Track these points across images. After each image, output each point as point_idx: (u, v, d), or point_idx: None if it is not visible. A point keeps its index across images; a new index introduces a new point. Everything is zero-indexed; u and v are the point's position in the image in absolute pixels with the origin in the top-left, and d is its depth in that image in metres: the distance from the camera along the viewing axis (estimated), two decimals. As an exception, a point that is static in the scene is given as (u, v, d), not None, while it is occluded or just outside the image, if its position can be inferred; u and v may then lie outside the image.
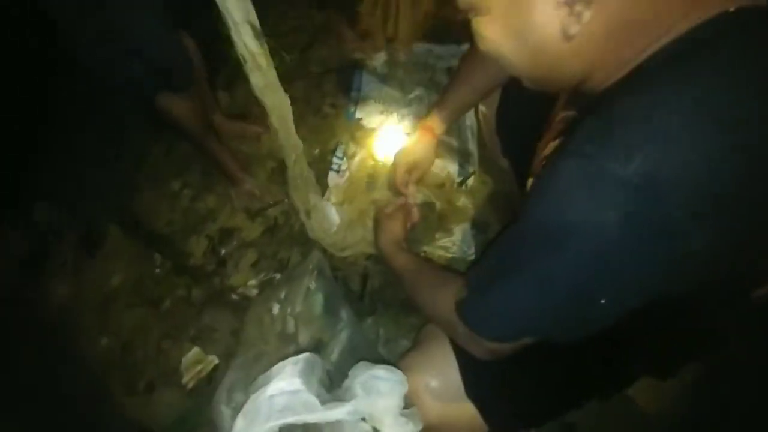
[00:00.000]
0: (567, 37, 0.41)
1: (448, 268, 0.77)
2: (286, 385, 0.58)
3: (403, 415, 0.60)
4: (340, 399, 0.62)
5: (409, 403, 0.63)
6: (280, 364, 0.63)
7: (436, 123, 0.91)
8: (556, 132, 0.58)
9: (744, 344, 0.63)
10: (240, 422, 0.57)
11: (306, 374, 0.62)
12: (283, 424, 0.56)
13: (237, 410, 0.75)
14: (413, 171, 0.97)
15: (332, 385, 0.84)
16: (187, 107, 1.01)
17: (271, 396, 0.57)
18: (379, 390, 0.60)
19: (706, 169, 0.36)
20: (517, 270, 0.46)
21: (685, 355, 0.61)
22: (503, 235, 0.50)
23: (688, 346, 0.58)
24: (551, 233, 0.41)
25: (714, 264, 0.41)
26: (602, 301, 0.41)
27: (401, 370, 0.66)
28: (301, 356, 0.64)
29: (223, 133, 1.25)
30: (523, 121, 0.80)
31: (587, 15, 0.39)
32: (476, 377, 0.60)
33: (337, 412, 0.58)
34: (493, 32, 0.45)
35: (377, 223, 0.97)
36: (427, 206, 1.13)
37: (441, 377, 0.62)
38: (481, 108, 0.92)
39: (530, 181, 0.64)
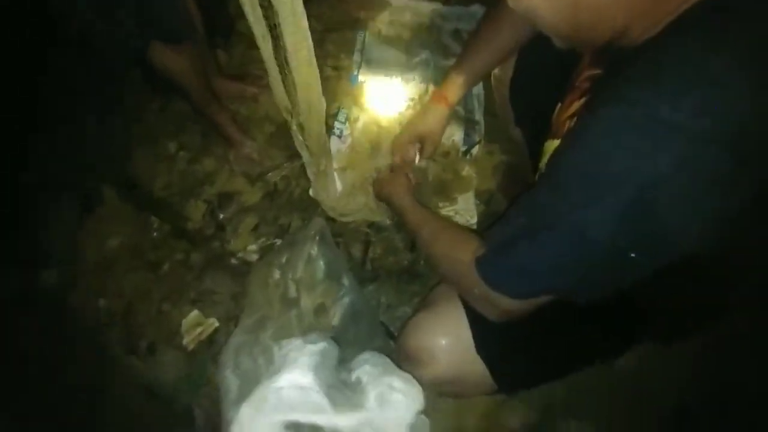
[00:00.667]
0: None
1: (462, 226, 0.76)
2: (299, 377, 0.57)
3: (413, 428, 0.61)
4: (351, 396, 0.61)
5: (416, 364, 0.63)
6: (294, 347, 0.61)
7: (451, 91, 0.86)
8: (581, 91, 0.56)
9: (747, 319, 0.64)
10: (245, 410, 0.56)
11: (320, 368, 0.61)
12: (290, 421, 0.55)
13: (242, 377, 0.76)
14: (424, 143, 0.93)
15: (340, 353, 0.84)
16: (182, 62, 0.96)
17: (281, 388, 0.56)
18: (394, 404, 0.59)
19: (754, 117, 0.36)
20: (549, 224, 0.45)
21: (694, 322, 0.61)
22: (528, 193, 0.49)
23: (698, 313, 0.59)
24: (593, 182, 0.41)
25: (744, 220, 0.41)
26: (633, 255, 0.41)
27: (411, 329, 0.66)
28: (318, 346, 0.62)
29: (222, 94, 1.20)
30: (540, 88, 0.77)
31: None
32: (487, 337, 0.61)
33: (348, 420, 0.57)
34: None
35: (381, 184, 0.95)
36: (420, 173, 1.10)
37: (452, 336, 0.63)
38: (495, 74, 0.88)
39: (549, 143, 0.62)
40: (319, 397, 0.56)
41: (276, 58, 0.60)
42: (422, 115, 0.92)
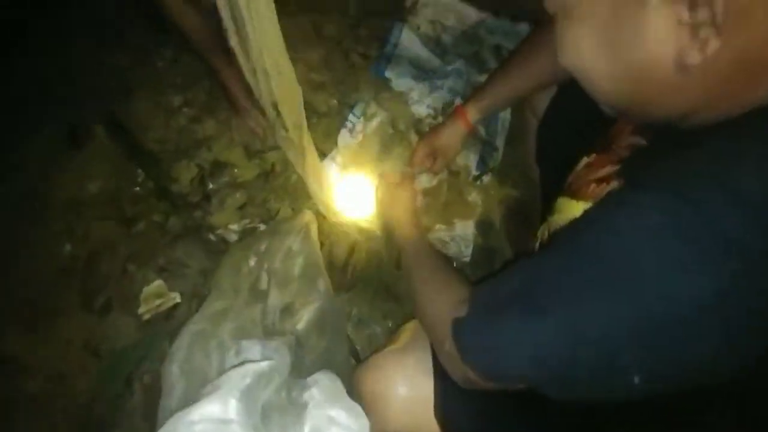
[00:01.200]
0: (682, 67, 0.33)
1: (453, 266, 0.70)
2: (217, 410, 0.50)
3: None
4: (286, 425, 0.55)
5: (368, 410, 0.59)
6: (226, 376, 0.54)
7: (473, 111, 0.82)
8: (617, 157, 0.50)
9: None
10: None
11: (254, 391, 0.54)
12: None
13: (190, 376, 0.71)
14: (437, 157, 0.89)
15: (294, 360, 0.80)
16: (190, 8, 0.89)
17: (192, 423, 0.49)
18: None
19: None
20: (545, 308, 0.38)
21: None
22: (535, 257, 0.43)
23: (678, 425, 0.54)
24: (613, 281, 0.34)
25: None
26: (635, 378, 0.35)
27: (372, 365, 0.61)
28: (261, 366, 0.56)
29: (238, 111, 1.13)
30: (571, 132, 0.71)
31: (714, 45, 0.31)
32: (448, 400, 0.55)
33: None
34: (583, 44, 0.37)
35: (385, 190, 0.89)
36: (433, 192, 1.05)
37: (413, 386, 0.57)
38: (530, 101, 0.82)
39: (565, 201, 0.57)
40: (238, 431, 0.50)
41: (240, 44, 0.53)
42: (440, 129, 0.88)
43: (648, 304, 0.33)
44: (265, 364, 0.57)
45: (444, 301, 0.52)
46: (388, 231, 0.93)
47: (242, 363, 0.58)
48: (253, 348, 0.66)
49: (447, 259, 0.69)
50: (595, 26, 0.35)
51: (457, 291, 0.53)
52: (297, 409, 0.61)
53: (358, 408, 0.62)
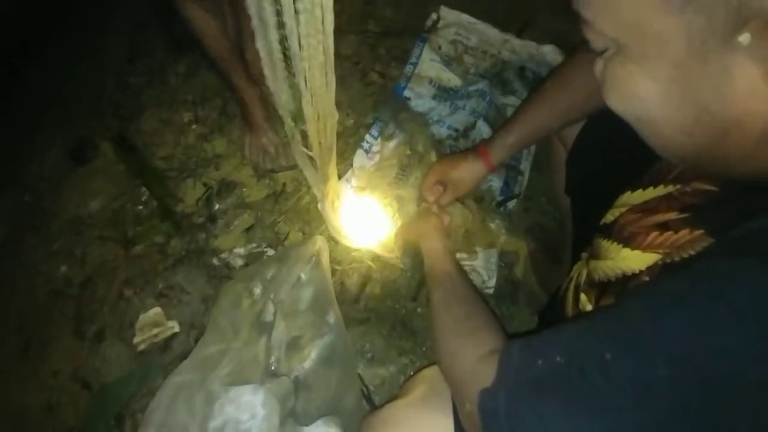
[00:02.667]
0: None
1: (485, 305, 0.61)
2: None
3: None
4: None
5: None
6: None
7: (496, 151, 0.75)
8: (680, 203, 0.42)
9: None
10: None
11: None
12: None
13: None
14: (446, 188, 0.81)
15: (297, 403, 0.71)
16: (211, 19, 0.85)
17: None
18: None
19: None
20: (606, 406, 0.29)
21: None
22: (587, 328, 0.34)
23: None
24: (714, 389, 0.26)
25: None
26: None
27: (383, 420, 0.53)
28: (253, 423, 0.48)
29: (256, 71, 1.09)
30: (607, 161, 0.64)
31: None
32: None
33: None
34: (645, 89, 0.30)
35: (408, 228, 0.82)
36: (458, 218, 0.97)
37: None
38: (559, 132, 0.75)
39: (612, 246, 0.49)
40: None
41: (283, 53, 0.48)
42: (458, 162, 0.80)
43: (753, 422, 0.25)
44: (258, 418, 0.49)
45: (469, 350, 0.45)
46: (414, 255, 0.84)
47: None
48: (242, 397, 0.58)
49: (477, 295, 0.60)
50: (665, 68, 0.29)
51: (485, 337, 0.46)
52: None
53: None
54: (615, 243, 0.48)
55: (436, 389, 0.54)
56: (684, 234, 0.39)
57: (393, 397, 0.60)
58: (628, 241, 0.46)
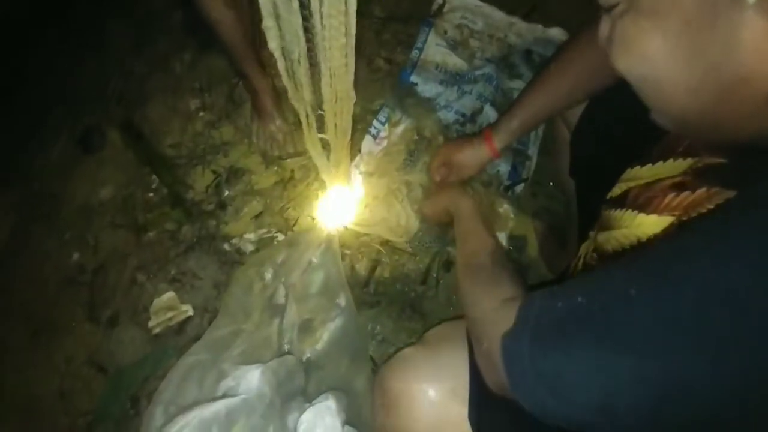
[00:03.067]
0: None
1: (510, 260, 0.63)
2: None
3: None
4: None
5: (389, 411, 0.51)
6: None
7: (499, 135, 0.76)
8: (695, 172, 0.42)
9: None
10: None
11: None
12: None
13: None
14: (451, 171, 0.82)
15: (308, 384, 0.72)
16: (226, 9, 0.85)
17: None
18: None
19: None
20: (629, 338, 0.30)
21: None
22: (611, 270, 0.33)
23: None
24: (735, 319, 0.26)
25: None
26: None
27: (398, 361, 0.54)
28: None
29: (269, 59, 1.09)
30: (610, 141, 0.64)
31: None
32: (487, 402, 0.47)
33: None
34: (654, 45, 0.30)
35: (435, 200, 0.84)
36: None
37: (444, 387, 0.50)
38: (563, 114, 0.75)
39: (625, 214, 0.49)
40: None
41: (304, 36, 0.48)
42: (463, 146, 0.81)
43: None
44: (238, 399, 0.50)
45: (490, 295, 0.47)
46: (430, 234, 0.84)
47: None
48: (250, 373, 0.59)
49: (502, 252, 0.62)
50: (675, 24, 0.29)
51: (507, 287, 0.48)
52: None
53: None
54: (629, 211, 0.48)
55: (449, 337, 0.55)
56: (701, 193, 0.39)
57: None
58: (643, 207, 0.46)
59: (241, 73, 1.00)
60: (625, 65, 0.33)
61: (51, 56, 1.20)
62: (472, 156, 0.80)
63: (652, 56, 0.31)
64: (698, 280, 0.28)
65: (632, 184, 0.51)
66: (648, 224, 0.45)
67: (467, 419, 0.49)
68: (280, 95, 1.04)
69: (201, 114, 1.07)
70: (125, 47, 1.20)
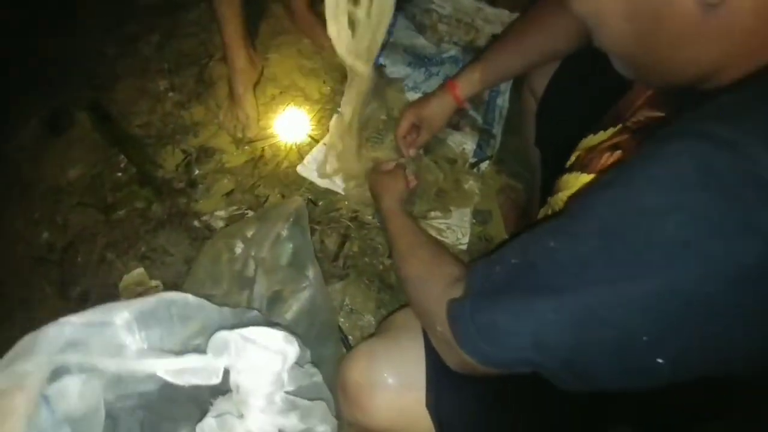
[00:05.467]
0: (707, 4, 0.28)
1: (445, 247, 0.65)
2: (96, 317, 0.44)
3: (287, 399, 0.49)
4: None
5: (351, 404, 0.53)
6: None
7: (463, 84, 0.78)
8: (631, 132, 0.46)
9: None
10: (10, 353, 0.43)
11: (152, 315, 0.47)
12: (62, 363, 0.41)
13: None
14: (420, 129, 0.85)
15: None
16: None
17: (63, 324, 0.43)
18: (253, 351, 0.47)
19: None
20: (552, 285, 0.33)
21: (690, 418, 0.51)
22: (534, 232, 0.37)
23: (698, 411, 0.49)
24: (632, 244, 0.29)
25: None
26: (660, 360, 0.30)
27: (357, 354, 0.56)
28: (179, 297, 0.50)
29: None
30: (573, 112, 0.68)
31: None
32: (444, 390, 0.50)
33: (170, 363, 0.43)
34: None
35: (376, 177, 0.85)
36: (424, 175, 1.01)
37: (402, 376, 0.51)
38: (529, 82, 0.79)
39: (572, 177, 0.52)
40: (126, 337, 0.43)
41: None
42: (428, 99, 0.84)
43: (674, 277, 0.28)
44: (182, 295, 0.51)
45: (436, 281, 0.48)
46: (379, 216, 0.89)
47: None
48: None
49: (438, 241, 0.64)
50: None
51: (450, 270, 0.49)
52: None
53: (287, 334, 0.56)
54: (575, 173, 0.52)
55: (407, 326, 0.56)
56: (630, 149, 0.43)
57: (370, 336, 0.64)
58: (585, 168, 0.50)
59: (226, 48, 1.00)
60: (574, 7, 0.36)
61: (19, 40, 1.18)
62: (438, 107, 0.82)
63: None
64: (598, 221, 0.31)
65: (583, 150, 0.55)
66: (586, 183, 0.49)
67: (426, 409, 0.50)
68: (257, 77, 1.06)
69: (170, 95, 1.08)
70: (94, 29, 1.19)
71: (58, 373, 0.42)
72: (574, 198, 0.40)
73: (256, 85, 1.07)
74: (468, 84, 0.78)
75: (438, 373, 0.49)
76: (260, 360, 0.49)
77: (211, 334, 0.52)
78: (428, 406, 0.49)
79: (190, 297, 0.52)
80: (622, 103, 0.53)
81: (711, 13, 0.29)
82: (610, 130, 0.51)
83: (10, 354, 0.43)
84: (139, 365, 0.43)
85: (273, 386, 0.52)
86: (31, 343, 0.43)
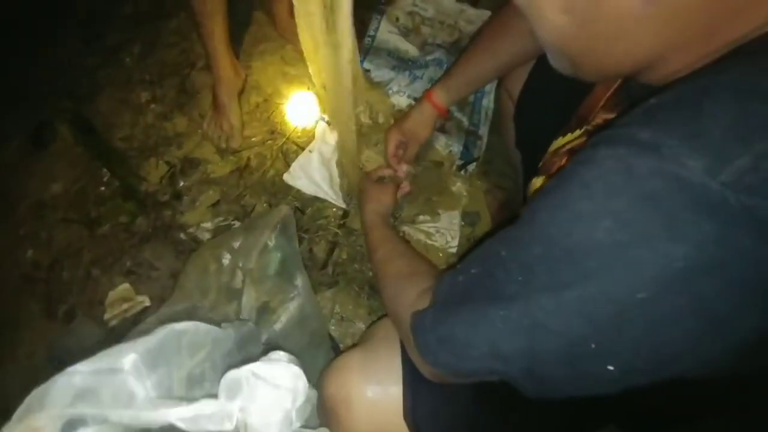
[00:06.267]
0: None
1: (424, 257, 0.66)
2: (104, 363, 0.44)
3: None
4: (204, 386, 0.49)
5: (330, 417, 0.53)
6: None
7: (439, 92, 0.80)
8: (586, 138, 0.46)
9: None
10: (21, 407, 0.43)
11: (162, 352, 0.47)
12: (76, 415, 0.41)
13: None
14: (408, 144, 0.85)
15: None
16: None
17: (72, 373, 0.43)
18: (264, 390, 0.47)
19: None
20: (501, 294, 0.33)
21: (669, 420, 0.52)
22: (492, 240, 0.37)
23: (677, 413, 0.49)
24: (565, 252, 0.29)
25: None
26: (610, 368, 0.30)
27: (335, 367, 0.55)
28: (183, 326, 0.49)
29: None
30: (548, 113, 0.68)
31: None
32: (420, 401, 0.49)
33: (174, 413, 0.43)
34: None
35: (364, 188, 0.85)
36: (414, 181, 1.01)
37: (380, 387, 0.51)
38: (506, 85, 0.79)
39: (536, 180, 0.53)
40: (135, 385, 0.43)
41: None
42: (409, 113, 0.86)
43: (607, 284, 0.27)
44: (191, 324, 0.51)
45: (409, 291, 0.48)
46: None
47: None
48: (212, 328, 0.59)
49: (416, 252, 0.65)
50: None
51: (422, 279, 0.49)
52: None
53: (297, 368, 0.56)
54: (540, 177, 0.52)
55: (385, 337, 0.56)
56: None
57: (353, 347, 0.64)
58: (547, 172, 0.50)
59: (209, 57, 0.99)
60: (521, 3, 0.34)
61: (1, 54, 1.17)
62: (420, 118, 0.84)
63: None
64: (540, 229, 0.31)
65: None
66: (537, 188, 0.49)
67: (404, 421, 0.49)
68: (243, 87, 1.05)
69: (152, 106, 1.07)
70: (75, 42, 1.18)
71: (71, 426, 0.42)
72: (527, 205, 0.40)
73: (240, 93, 1.06)
74: (443, 93, 0.80)
75: (414, 384, 0.49)
76: (271, 398, 0.49)
77: (216, 357, 0.52)
78: (405, 418, 0.49)
79: (201, 325, 0.52)
80: (584, 104, 0.53)
81: (653, 3, 0.28)
82: (577, 132, 0.51)
83: (22, 408, 0.43)
84: (152, 415, 0.42)
85: (282, 424, 0.51)
86: (41, 395, 0.42)
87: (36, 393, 0.43)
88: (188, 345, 0.50)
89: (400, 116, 1.09)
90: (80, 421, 0.42)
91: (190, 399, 0.45)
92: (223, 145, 1.02)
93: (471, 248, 0.98)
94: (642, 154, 0.26)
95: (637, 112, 0.30)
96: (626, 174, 0.27)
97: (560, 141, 0.54)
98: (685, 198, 0.25)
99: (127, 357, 0.44)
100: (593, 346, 0.30)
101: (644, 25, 0.29)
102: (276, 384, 0.50)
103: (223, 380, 0.48)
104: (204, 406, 0.44)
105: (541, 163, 0.55)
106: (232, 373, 0.49)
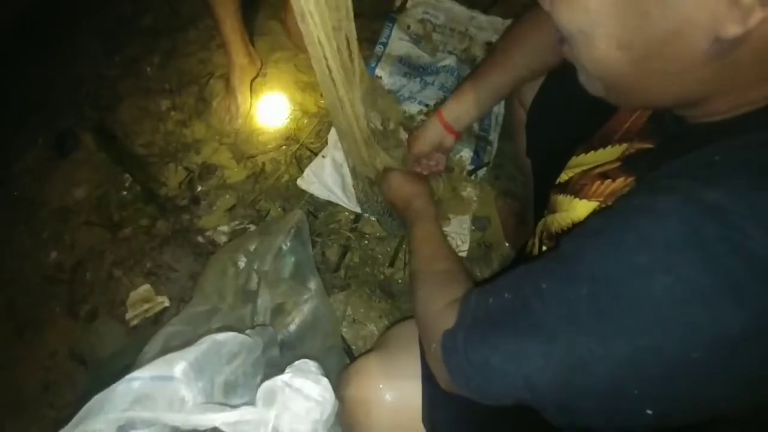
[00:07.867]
0: (715, 39, 0.27)
1: (463, 265, 0.64)
2: (159, 370, 0.47)
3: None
4: (245, 394, 0.52)
5: (349, 419, 0.54)
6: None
7: (448, 113, 0.77)
8: (618, 165, 0.46)
9: None
10: (81, 412, 0.46)
11: (206, 360, 0.50)
12: (129, 419, 0.44)
13: None
14: (430, 157, 0.85)
15: (283, 361, 0.76)
16: None
17: (131, 380, 0.46)
18: (296, 401, 0.49)
19: None
20: (543, 325, 0.33)
21: None
22: (534, 265, 0.37)
23: None
24: (620, 301, 0.29)
25: None
26: (648, 411, 0.30)
27: (355, 370, 0.56)
28: (224, 336, 0.52)
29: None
30: (563, 122, 0.67)
31: (758, 16, 0.26)
32: (439, 405, 0.50)
33: (218, 417, 0.45)
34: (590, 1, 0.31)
35: (400, 181, 0.82)
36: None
37: (399, 391, 0.52)
38: (519, 95, 0.79)
39: (566, 199, 0.53)
40: (186, 391, 0.46)
41: None
42: (422, 131, 0.83)
43: (659, 339, 0.28)
44: (230, 335, 0.53)
45: (439, 298, 0.48)
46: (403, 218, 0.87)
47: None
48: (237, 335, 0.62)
49: (458, 258, 0.64)
50: None
51: (455, 289, 0.49)
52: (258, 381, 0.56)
53: (326, 381, 0.58)
54: (568, 196, 0.51)
55: (404, 341, 0.56)
56: (620, 182, 0.43)
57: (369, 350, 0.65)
58: (578, 193, 0.49)
59: (225, 44, 1.04)
60: (566, 17, 0.33)
61: (26, 67, 1.22)
62: (432, 137, 0.81)
63: (591, 9, 0.31)
64: (588, 270, 0.31)
65: (576, 170, 0.55)
66: (579, 209, 0.49)
67: (423, 425, 0.50)
68: (257, 74, 1.09)
69: (172, 114, 1.10)
70: (97, 53, 1.23)
71: (124, 429, 0.45)
72: (567, 237, 0.40)
73: (254, 80, 1.10)
74: (452, 113, 0.77)
75: (433, 388, 0.49)
76: (302, 409, 0.51)
77: (248, 364, 0.54)
78: (423, 421, 0.50)
79: (239, 336, 0.54)
80: (610, 123, 0.52)
81: (721, 45, 0.27)
82: (600, 151, 0.52)
83: (82, 412, 0.46)
84: (200, 419, 0.45)
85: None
86: (102, 400, 0.45)
87: (98, 398, 0.46)
88: (227, 353, 0.53)
89: (414, 124, 1.11)
90: (132, 425, 0.44)
91: (229, 405, 0.48)
92: (227, 126, 1.06)
93: (484, 254, 0.99)
94: (708, 216, 0.27)
95: (697, 164, 0.30)
96: (690, 234, 0.27)
97: (583, 158, 0.54)
98: (751, 267, 0.26)
99: (179, 365, 0.47)
100: (636, 392, 0.30)
101: (701, 71, 0.29)
102: (307, 395, 0.52)
103: (260, 389, 0.51)
104: (245, 413, 0.47)
105: (564, 178, 0.55)
106: (269, 383, 0.51)
